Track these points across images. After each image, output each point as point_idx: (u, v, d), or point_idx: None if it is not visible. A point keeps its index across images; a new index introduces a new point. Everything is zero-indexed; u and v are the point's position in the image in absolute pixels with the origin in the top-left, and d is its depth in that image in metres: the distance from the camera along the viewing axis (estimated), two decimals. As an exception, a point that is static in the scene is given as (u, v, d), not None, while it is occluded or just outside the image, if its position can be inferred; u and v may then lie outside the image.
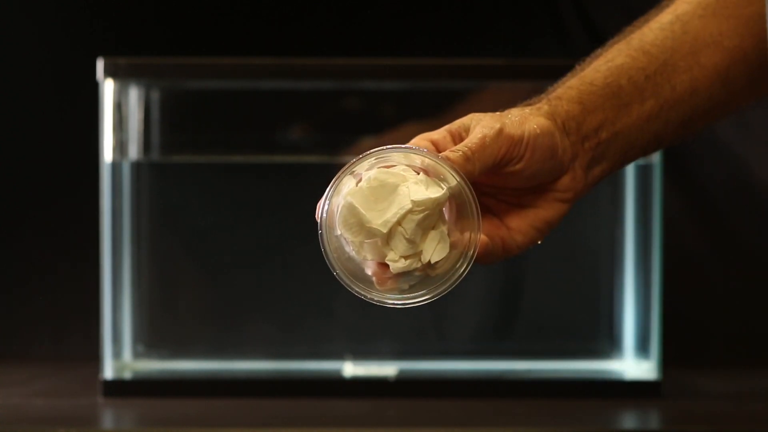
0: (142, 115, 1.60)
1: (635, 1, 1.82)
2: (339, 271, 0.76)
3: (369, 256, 0.76)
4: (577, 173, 0.83)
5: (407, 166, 0.76)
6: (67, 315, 1.84)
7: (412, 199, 0.74)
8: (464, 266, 0.76)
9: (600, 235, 1.64)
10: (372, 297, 0.77)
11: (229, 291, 1.67)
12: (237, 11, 1.86)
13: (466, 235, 0.76)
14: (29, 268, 1.85)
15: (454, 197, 0.76)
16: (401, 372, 1.59)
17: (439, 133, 0.80)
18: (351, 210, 0.75)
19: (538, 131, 0.80)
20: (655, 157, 1.56)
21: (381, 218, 0.74)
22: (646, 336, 1.59)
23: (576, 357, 1.64)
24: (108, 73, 1.53)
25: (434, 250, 0.76)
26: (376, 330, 1.65)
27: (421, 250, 0.76)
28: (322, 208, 0.76)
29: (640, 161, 1.58)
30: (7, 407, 1.46)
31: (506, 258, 0.82)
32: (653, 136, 0.86)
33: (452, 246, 0.76)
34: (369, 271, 0.77)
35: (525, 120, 0.80)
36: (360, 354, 1.63)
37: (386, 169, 0.75)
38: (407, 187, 0.75)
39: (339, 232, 0.76)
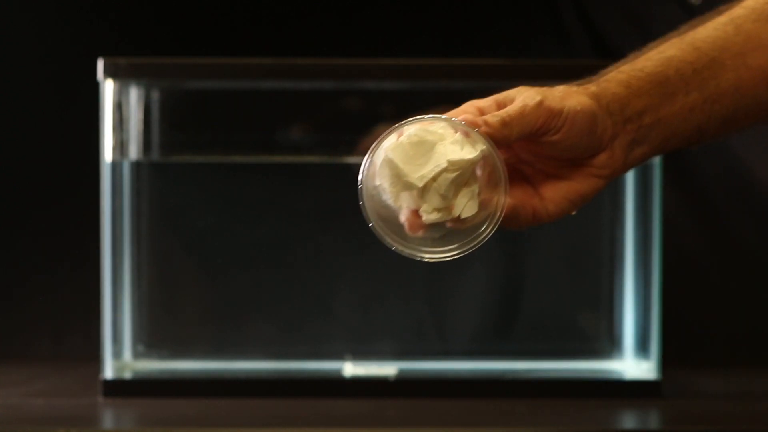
0: (142, 115, 1.60)
1: (635, 1, 1.83)
2: (374, 223, 0.82)
3: (404, 205, 0.82)
4: (615, 152, 0.87)
5: (447, 124, 0.82)
6: (67, 315, 1.84)
7: (448, 159, 0.80)
8: (491, 227, 0.82)
9: (600, 235, 1.64)
10: (403, 249, 0.83)
11: (229, 291, 1.67)
12: (237, 11, 1.86)
13: (495, 197, 0.82)
14: (29, 268, 1.85)
15: (487, 159, 0.82)
16: (401, 372, 1.59)
17: (486, 101, 0.85)
18: (390, 163, 0.81)
19: (578, 108, 0.84)
20: (656, 158, 1.56)
21: (418, 173, 0.80)
22: (646, 336, 1.59)
23: (576, 357, 1.64)
24: (108, 73, 1.53)
25: (464, 207, 0.81)
26: (376, 330, 1.65)
27: (453, 205, 0.81)
28: (363, 164, 0.82)
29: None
30: (7, 407, 1.46)
31: (536, 225, 0.86)
32: (696, 127, 0.89)
33: (481, 205, 0.82)
34: (403, 218, 0.82)
35: (568, 96, 0.85)
36: (360, 354, 1.63)
37: (426, 127, 0.81)
38: (444, 147, 0.80)
39: (378, 182, 0.81)
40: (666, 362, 1.57)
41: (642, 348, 1.60)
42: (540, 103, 0.83)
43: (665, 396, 1.54)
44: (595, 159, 0.87)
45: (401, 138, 0.81)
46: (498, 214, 0.82)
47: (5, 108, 1.84)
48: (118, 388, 1.54)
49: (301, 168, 1.64)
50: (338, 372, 1.60)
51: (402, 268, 1.67)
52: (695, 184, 1.84)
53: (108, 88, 1.55)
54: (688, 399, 1.56)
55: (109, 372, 1.55)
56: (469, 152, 0.81)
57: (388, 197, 0.82)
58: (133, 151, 1.60)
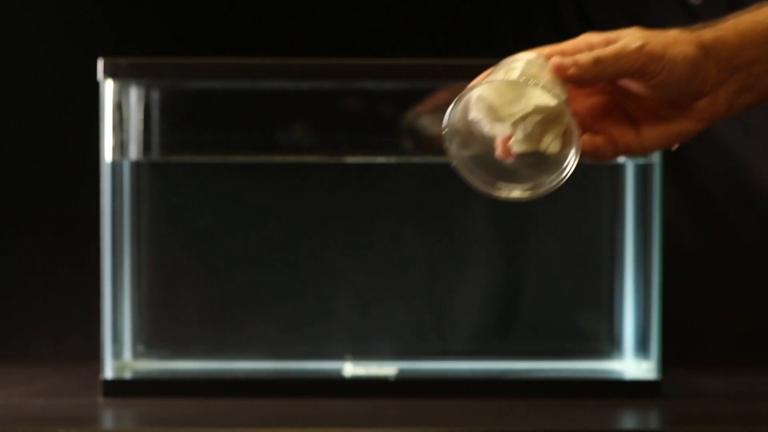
0: (142, 115, 1.60)
1: (635, 2, 1.83)
2: (457, 162, 0.88)
3: (498, 133, 0.88)
4: (719, 98, 0.89)
5: (540, 66, 0.88)
6: (67, 315, 1.84)
7: (535, 103, 0.86)
8: (560, 177, 0.88)
9: (600, 235, 1.64)
10: (482, 186, 0.89)
11: (229, 291, 1.67)
12: (237, 11, 1.86)
13: (575, 141, 0.87)
14: (29, 268, 1.85)
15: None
16: (401, 372, 1.59)
17: (599, 37, 0.89)
18: (485, 99, 0.87)
19: (680, 58, 0.86)
20: (655, 157, 1.56)
21: (508, 110, 0.87)
22: (646, 336, 1.59)
23: (576, 357, 1.64)
24: (108, 73, 1.53)
25: (549, 145, 0.88)
26: (376, 330, 1.65)
27: (540, 141, 0.88)
28: (451, 108, 0.86)
29: (640, 160, 1.58)
30: (7, 407, 1.46)
31: (629, 156, 0.95)
32: None
33: (564, 145, 0.87)
34: (497, 142, 0.89)
35: (673, 44, 0.87)
36: (360, 354, 1.63)
37: (521, 68, 0.88)
38: (534, 89, 0.86)
39: (472, 116, 0.88)
40: (666, 362, 1.57)
41: (642, 348, 1.60)
42: (641, 48, 0.86)
43: (665, 396, 1.54)
44: (696, 103, 0.88)
45: (496, 76, 0.87)
46: (569, 163, 0.87)
47: (5, 108, 1.84)
48: (118, 388, 1.54)
49: (301, 168, 1.64)
50: (338, 372, 1.60)
51: (402, 268, 1.67)
52: (695, 184, 1.84)
53: (108, 88, 1.55)
54: (687, 399, 1.56)
55: (109, 372, 1.55)
56: (557, 96, 0.86)
57: (482, 127, 0.88)
58: (133, 151, 1.60)
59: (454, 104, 0.87)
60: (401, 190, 1.66)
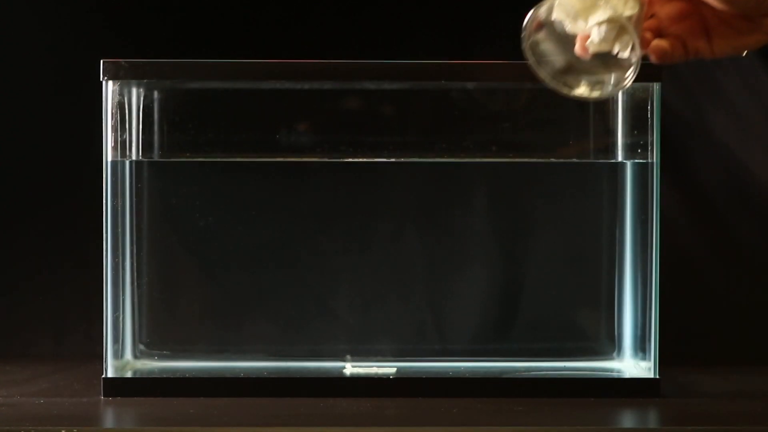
0: (142, 116, 1.61)
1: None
2: (533, 59, 1.03)
3: (578, 31, 1.01)
4: None
5: None
6: (68, 314, 1.84)
7: (609, 15, 0.98)
8: (625, 81, 1.01)
9: (599, 234, 1.64)
10: (550, 82, 1.02)
11: (229, 291, 1.67)
12: (237, 12, 1.86)
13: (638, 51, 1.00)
14: (30, 268, 1.85)
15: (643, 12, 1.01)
16: (401, 371, 1.59)
17: None
18: (566, 4, 1.00)
19: None
20: (654, 157, 1.56)
21: (587, 14, 0.99)
22: (645, 335, 1.59)
23: (576, 357, 1.64)
24: (109, 74, 1.54)
25: (620, 49, 1.00)
26: (376, 330, 1.66)
27: (613, 44, 1.00)
28: (536, 8, 1.01)
29: (639, 159, 1.58)
30: (7, 407, 1.47)
31: (697, 58, 1.02)
32: None
33: (632, 51, 0.99)
34: (578, 39, 1.01)
35: None
36: (360, 354, 1.63)
37: None
38: (609, 3, 0.99)
39: (554, 17, 1.01)
40: (665, 361, 1.57)
41: (641, 347, 1.60)
42: None
43: (664, 395, 1.54)
44: (764, 19, 0.97)
45: None
46: (629, 76, 0.99)
47: (7, 109, 1.84)
48: (119, 387, 1.55)
49: (301, 168, 1.64)
50: (338, 372, 1.60)
51: (402, 268, 1.67)
52: (694, 184, 1.85)
53: (109, 89, 1.55)
54: (686, 398, 1.56)
55: (110, 371, 1.55)
56: (630, 7, 0.98)
57: (564, 27, 1.01)
58: (134, 151, 1.61)
59: (538, 6, 1.01)
60: (401, 190, 1.66)
